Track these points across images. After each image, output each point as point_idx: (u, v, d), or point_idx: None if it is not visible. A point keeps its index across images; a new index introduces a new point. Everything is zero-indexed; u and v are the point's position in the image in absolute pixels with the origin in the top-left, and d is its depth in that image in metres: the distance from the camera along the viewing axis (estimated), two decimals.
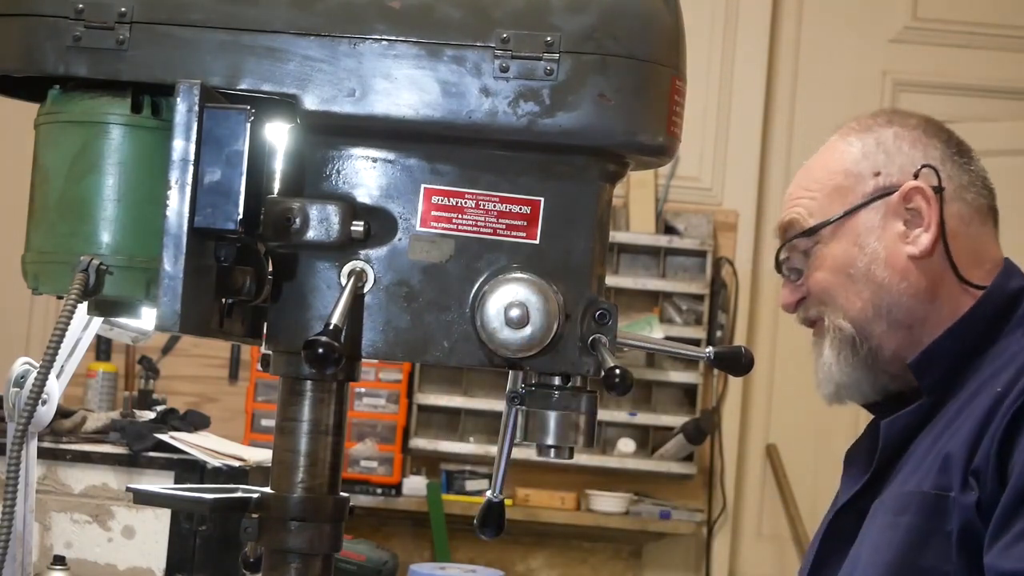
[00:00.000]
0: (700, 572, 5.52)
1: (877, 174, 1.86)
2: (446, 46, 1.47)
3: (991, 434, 1.63)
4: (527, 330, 1.45)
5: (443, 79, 1.47)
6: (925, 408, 1.80)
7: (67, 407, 2.75)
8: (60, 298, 1.44)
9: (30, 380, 1.87)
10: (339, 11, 1.48)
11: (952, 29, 5.28)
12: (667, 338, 5.03)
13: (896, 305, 1.82)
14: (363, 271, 1.50)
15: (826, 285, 1.86)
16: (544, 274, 1.49)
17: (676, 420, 5.31)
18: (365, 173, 1.52)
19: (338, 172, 1.52)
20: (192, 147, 1.42)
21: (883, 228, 1.84)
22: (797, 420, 5.38)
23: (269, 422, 4.74)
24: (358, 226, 1.48)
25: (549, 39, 1.46)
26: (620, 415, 5.28)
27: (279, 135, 1.53)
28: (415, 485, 5.05)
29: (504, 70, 1.46)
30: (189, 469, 2.68)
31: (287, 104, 1.48)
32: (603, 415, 5.05)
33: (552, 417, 1.49)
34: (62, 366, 1.89)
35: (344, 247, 1.49)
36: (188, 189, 1.41)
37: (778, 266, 1.91)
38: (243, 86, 1.47)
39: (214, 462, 2.68)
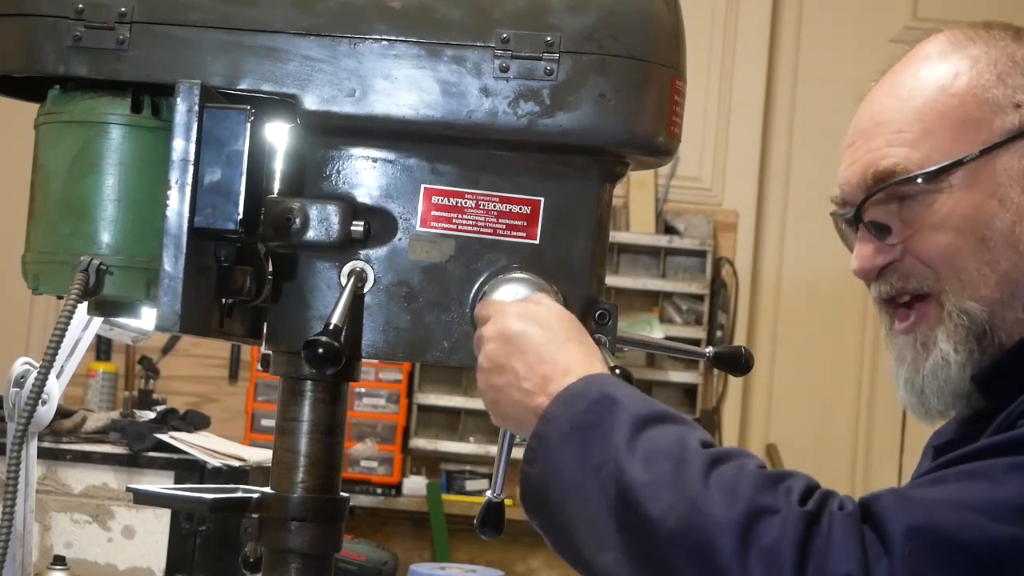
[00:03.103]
0: None
1: (1019, 105, 1.39)
2: (446, 46, 1.47)
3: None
4: None
5: (443, 79, 1.47)
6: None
7: (67, 407, 2.75)
8: (60, 298, 1.44)
9: (30, 380, 1.87)
10: (339, 11, 1.48)
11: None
12: (667, 338, 5.03)
13: None
14: (363, 271, 1.51)
15: (949, 251, 1.37)
16: (544, 274, 1.49)
17: None
18: (365, 173, 1.52)
19: (338, 172, 1.52)
20: (192, 147, 1.42)
21: None
22: (797, 420, 5.38)
23: (269, 422, 4.73)
24: (358, 226, 1.49)
25: (549, 39, 1.46)
26: None
27: (279, 135, 1.53)
28: (415, 485, 5.04)
29: (504, 70, 1.46)
30: (189, 469, 2.68)
31: (287, 104, 1.48)
32: None
33: None
34: (62, 366, 1.89)
35: (344, 247, 1.49)
36: (188, 189, 1.41)
37: (856, 217, 1.43)
38: (243, 86, 1.47)
39: (214, 462, 2.68)
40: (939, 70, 1.41)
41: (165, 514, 2.62)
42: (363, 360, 1.55)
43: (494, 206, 1.51)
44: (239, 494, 1.58)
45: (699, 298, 5.28)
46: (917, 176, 1.37)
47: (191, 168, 1.42)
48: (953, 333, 1.37)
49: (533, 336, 1.39)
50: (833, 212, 1.48)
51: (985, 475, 1.19)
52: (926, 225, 1.38)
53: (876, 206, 1.41)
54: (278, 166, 1.54)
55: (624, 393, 1.32)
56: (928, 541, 1.14)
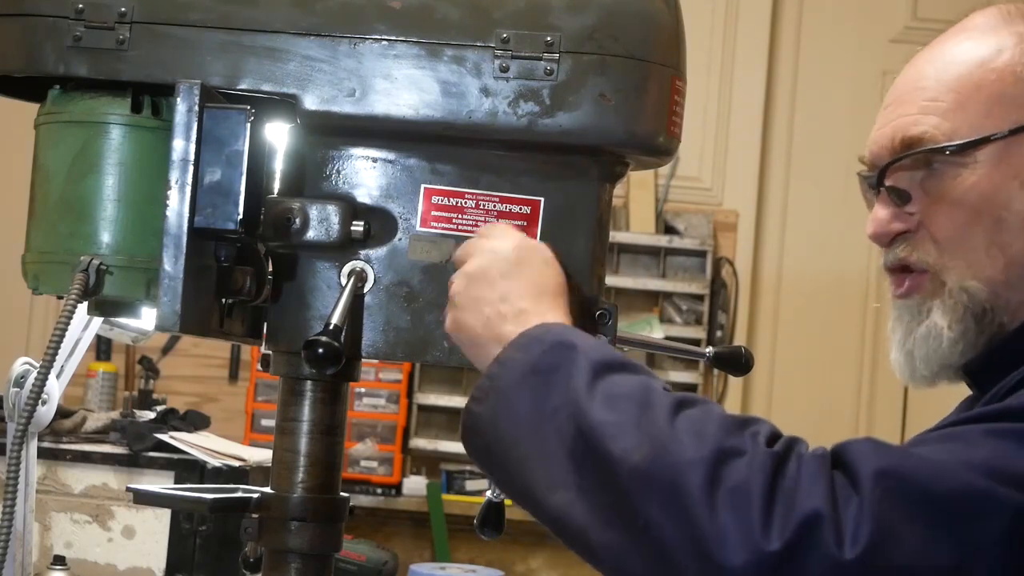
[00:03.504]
0: None
1: None
2: (446, 46, 1.47)
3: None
4: None
5: (443, 79, 1.47)
6: None
7: (67, 407, 2.75)
8: (60, 298, 1.44)
9: (30, 380, 1.87)
10: (339, 11, 1.48)
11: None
12: (667, 338, 5.02)
13: None
14: (363, 271, 1.51)
15: (962, 229, 1.35)
16: None
17: None
18: (365, 173, 1.52)
19: (338, 172, 1.52)
20: (192, 147, 1.42)
21: None
22: (797, 420, 5.38)
23: (269, 422, 4.73)
24: (358, 226, 1.49)
25: (549, 39, 1.46)
26: None
27: (279, 135, 1.53)
28: (415, 485, 5.04)
29: (504, 70, 1.46)
30: (189, 469, 2.68)
31: (287, 104, 1.48)
32: None
33: None
34: (62, 366, 1.89)
35: (344, 247, 1.49)
36: (188, 189, 1.41)
37: (879, 181, 1.40)
38: (243, 86, 1.47)
39: (214, 462, 2.68)
40: (983, 43, 1.38)
41: (165, 514, 2.62)
42: (363, 360, 1.55)
43: (494, 206, 1.51)
44: (239, 494, 1.58)
45: (699, 298, 5.28)
46: (943, 148, 1.35)
47: (191, 168, 1.42)
48: (951, 309, 1.36)
49: (492, 272, 1.39)
50: (859, 172, 1.45)
51: (961, 437, 1.19)
52: (946, 199, 1.36)
53: (900, 172, 1.38)
54: (278, 166, 1.54)
55: (582, 339, 1.31)
56: (899, 485, 1.14)
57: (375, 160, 1.52)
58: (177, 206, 1.41)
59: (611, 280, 5.06)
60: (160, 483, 2.65)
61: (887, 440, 1.20)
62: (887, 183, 1.39)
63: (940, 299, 1.37)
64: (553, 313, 1.37)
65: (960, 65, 1.38)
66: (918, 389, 1.43)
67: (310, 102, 1.48)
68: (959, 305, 1.35)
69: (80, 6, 1.47)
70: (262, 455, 2.76)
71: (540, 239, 1.50)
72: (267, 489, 1.56)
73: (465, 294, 1.40)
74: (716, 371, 5.26)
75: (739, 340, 5.36)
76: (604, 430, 1.21)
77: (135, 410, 2.95)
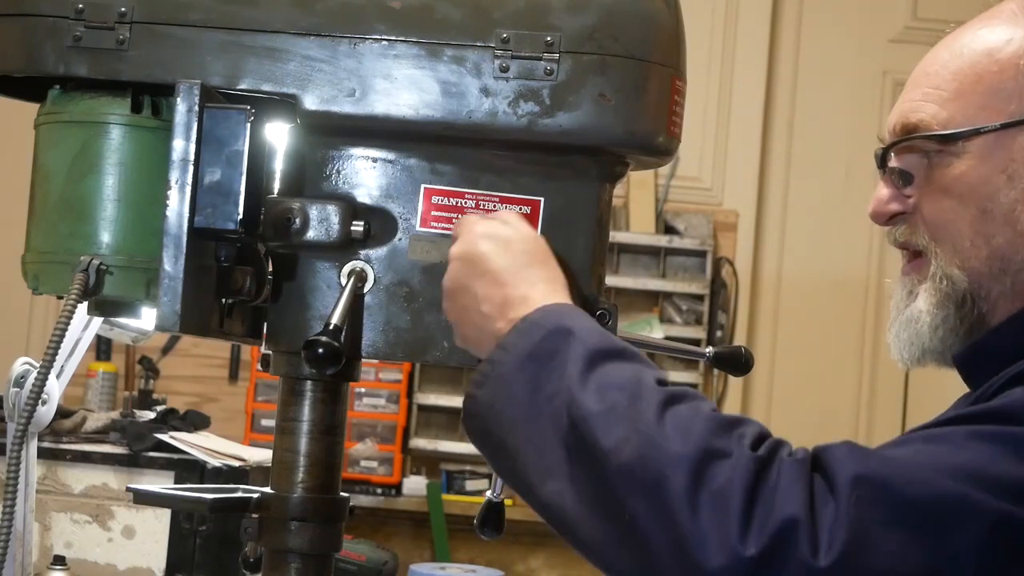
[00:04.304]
0: None
1: None
2: (446, 46, 1.47)
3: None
4: None
5: (443, 79, 1.47)
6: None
7: (67, 407, 2.74)
8: (60, 298, 1.44)
9: (30, 380, 1.87)
10: (339, 11, 1.48)
11: (952, 29, 5.26)
12: (667, 338, 5.02)
13: None
14: (363, 271, 1.51)
15: (949, 217, 1.37)
16: None
17: None
18: (365, 173, 1.52)
19: (338, 172, 1.52)
20: (192, 147, 1.42)
21: None
22: (797, 420, 5.38)
23: (269, 422, 4.73)
24: (358, 226, 1.49)
25: (549, 39, 1.46)
26: None
27: (279, 135, 1.53)
28: (415, 485, 5.04)
29: (504, 70, 1.46)
30: (189, 469, 2.67)
31: (287, 104, 1.48)
32: None
33: None
34: (62, 366, 1.89)
35: (344, 247, 1.49)
36: (188, 189, 1.41)
37: (882, 161, 1.43)
38: (243, 86, 1.47)
39: (214, 462, 2.68)
40: (995, 33, 1.39)
41: (165, 514, 2.62)
42: (363, 360, 1.55)
43: (494, 206, 1.51)
44: (239, 494, 1.58)
45: (699, 298, 5.28)
46: (934, 136, 1.37)
47: (191, 168, 1.42)
48: (933, 294, 1.38)
49: (494, 258, 1.39)
50: (875, 150, 1.46)
51: (944, 439, 1.18)
52: (937, 185, 1.38)
53: (907, 155, 1.41)
54: (278, 166, 1.54)
55: (581, 325, 1.31)
56: (875, 491, 1.13)
57: (375, 160, 1.52)
58: (177, 206, 1.41)
59: (611, 280, 5.06)
60: (160, 483, 2.65)
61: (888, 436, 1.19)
62: (890, 164, 1.42)
63: (927, 283, 1.39)
64: (552, 290, 1.37)
65: (970, 53, 1.39)
66: (906, 368, 1.44)
67: (310, 102, 1.48)
68: (940, 292, 1.37)
69: (80, 6, 1.47)
70: (262, 455, 2.76)
71: None
72: (267, 489, 1.56)
73: (462, 279, 1.40)
74: (716, 371, 5.26)
75: (739, 340, 5.36)
76: (594, 422, 1.22)
77: (135, 410, 2.95)
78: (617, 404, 1.22)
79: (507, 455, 1.30)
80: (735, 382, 5.40)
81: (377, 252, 1.51)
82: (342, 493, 1.58)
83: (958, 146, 1.36)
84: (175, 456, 2.71)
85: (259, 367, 2.24)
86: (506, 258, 1.39)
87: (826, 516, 1.13)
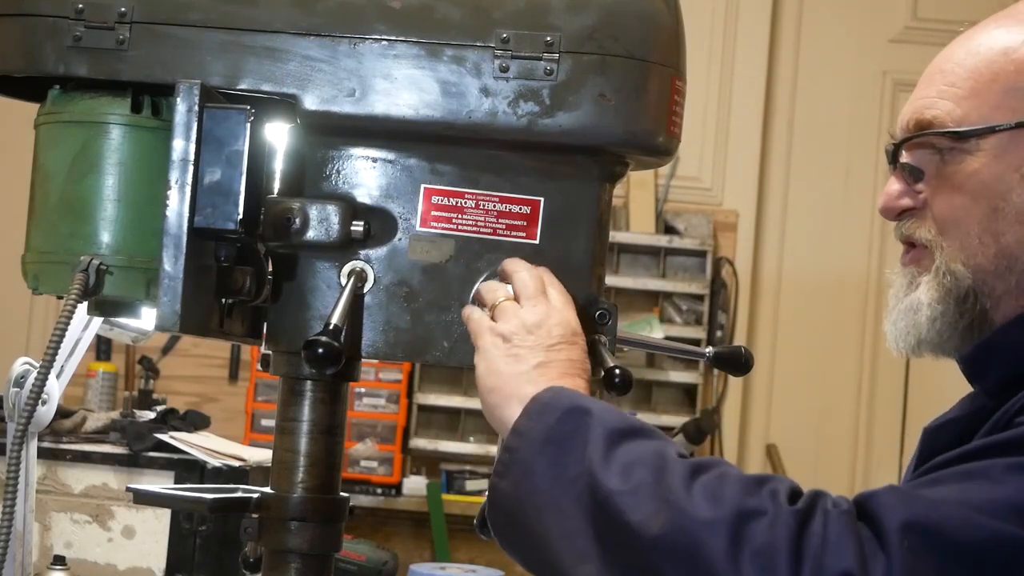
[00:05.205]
0: None
1: None
2: (446, 46, 1.47)
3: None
4: None
5: (443, 79, 1.47)
6: (984, 410, 1.35)
7: (67, 407, 2.75)
8: (60, 298, 1.44)
9: (30, 380, 1.87)
10: (339, 11, 1.48)
11: (952, 29, 5.26)
12: (667, 338, 5.02)
13: None
14: (363, 271, 1.51)
15: (959, 213, 1.37)
16: None
17: (676, 420, 5.29)
18: (365, 173, 1.52)
19: (338, 172, 1.52)
20: (192, 147, 1.42)
21: None
22: (797, 420, 5.38)
23: (269, 422, 4.73)
24: (358, 226, 1.49)
25: (549, 39, 1.46)
26: None
27: (279, 135, 1.53)
28: (415, 485, 5.04)
29: (504, 70, 1.46)
30: (189, 469, 2.67)
31: (287, 104, 1.48)
32: None
33: None
34: (62, 366, 1.89)
35: (344, 247, 1.49)
36: (188, 189, 1.41)
37: (893, 157, 1.43)
38: (243, 86, 1.47)
39: (214, 462, 2.68)
40: (1012, 33, 1.39)
41: (165, 514, 2.62)
42: (363, 360, 1.55)
43: (494, 206, 1.51)
44: (239, 494, 1.58)
45: (699, 298, 5.28)
46: (949, 133, 1.37)
47: (191, 168, 1.42)
48: (935, 288, 1.38)
49: (523, 342, 1.38)
50: (886, 145, 1.47)
51: (983, 475, 1.17)
52: (949, 182, 1.38)
53: (919, 151, 1.41)
54: (278, 166, 1.54)
55: (595, 405, 1.30)
56: (926, 538, 1.12)
57: (375, 160, 1.52)
58: (177, 206, 1.41)
59: (611, 280, 5.06)
60: (160, 483, 2.65)
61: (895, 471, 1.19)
62: (902, 160, 1.41)
63: (929, 276, 1.38)
64: (566, 378, 1.36)
65: (986, 52, 1.39)
66: (899, 356, 1.44)
67: (310, 102, 1.48)
68: (942, 286, 1.37)
69: (80, 6, 1.47)
70: (262, 455, 2.76)
71: (540, 239, 1.50)
72: (267, 489, 1.56)
73: (491, 359, 1.39)
74: (716, 371, 5.26)
75: (739, 340, 5.36)
76: (621, 500, 1.20)
77: (135, 410, 2.95)
78: (643, 481, 1.21)
79: (536, 544, 1.28)
80: (735, 382, 5.40)
81: (377, 252, 1.51)
82: (342, 493, 1.58)
83: (972, 144, 1.36)
84: (175, 456, 2.71)
85: (259, 367, 2.24)
86: (534, 340, 1.39)
87: (879, 568, 1.11)
